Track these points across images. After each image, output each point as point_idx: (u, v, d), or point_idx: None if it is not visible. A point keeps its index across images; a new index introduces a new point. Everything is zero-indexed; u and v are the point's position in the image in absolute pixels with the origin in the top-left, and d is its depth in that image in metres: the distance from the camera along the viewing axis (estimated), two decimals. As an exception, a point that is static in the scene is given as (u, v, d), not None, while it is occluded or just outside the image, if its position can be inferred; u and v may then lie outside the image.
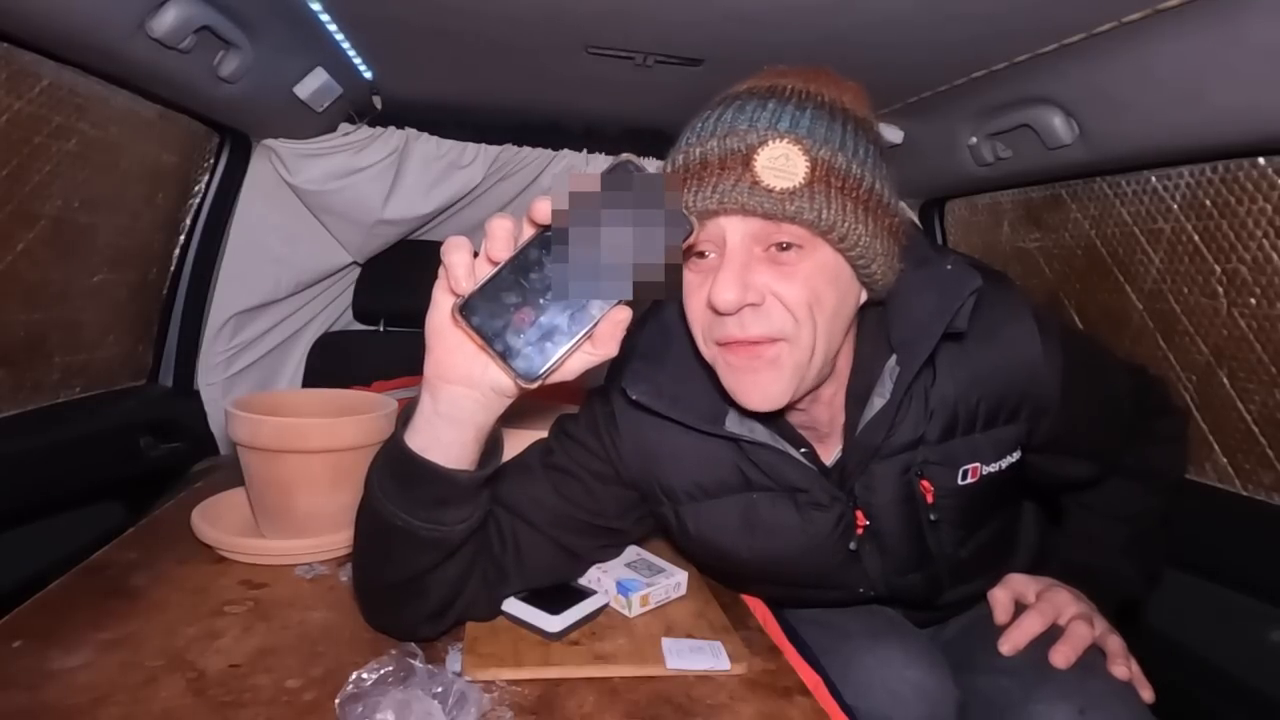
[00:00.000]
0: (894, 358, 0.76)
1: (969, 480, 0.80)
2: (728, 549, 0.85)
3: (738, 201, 0.65)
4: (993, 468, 0.81)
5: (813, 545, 0.81)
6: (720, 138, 0.67)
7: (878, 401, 0.76)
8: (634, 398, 0.78)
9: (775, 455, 0.79)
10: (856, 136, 0.68)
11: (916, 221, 1.99)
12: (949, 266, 0.74)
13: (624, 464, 0.83)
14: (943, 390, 0.76)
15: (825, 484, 0.80)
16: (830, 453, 0.83)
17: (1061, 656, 0.80)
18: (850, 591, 0.88)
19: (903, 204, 1.98)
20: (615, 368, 0.82)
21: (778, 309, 0.68)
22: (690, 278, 0.72)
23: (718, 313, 0.68)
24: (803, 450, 0.81)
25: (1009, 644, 0.84)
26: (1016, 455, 0.83)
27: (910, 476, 0.79)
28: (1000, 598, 0.90)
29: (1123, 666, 0.80)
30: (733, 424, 0.80)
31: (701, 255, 0.70)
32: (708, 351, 0.74)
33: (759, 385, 0.71)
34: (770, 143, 0.65)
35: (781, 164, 0.65)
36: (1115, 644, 0.83)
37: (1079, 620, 0.83)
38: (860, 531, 0.81)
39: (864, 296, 0.74)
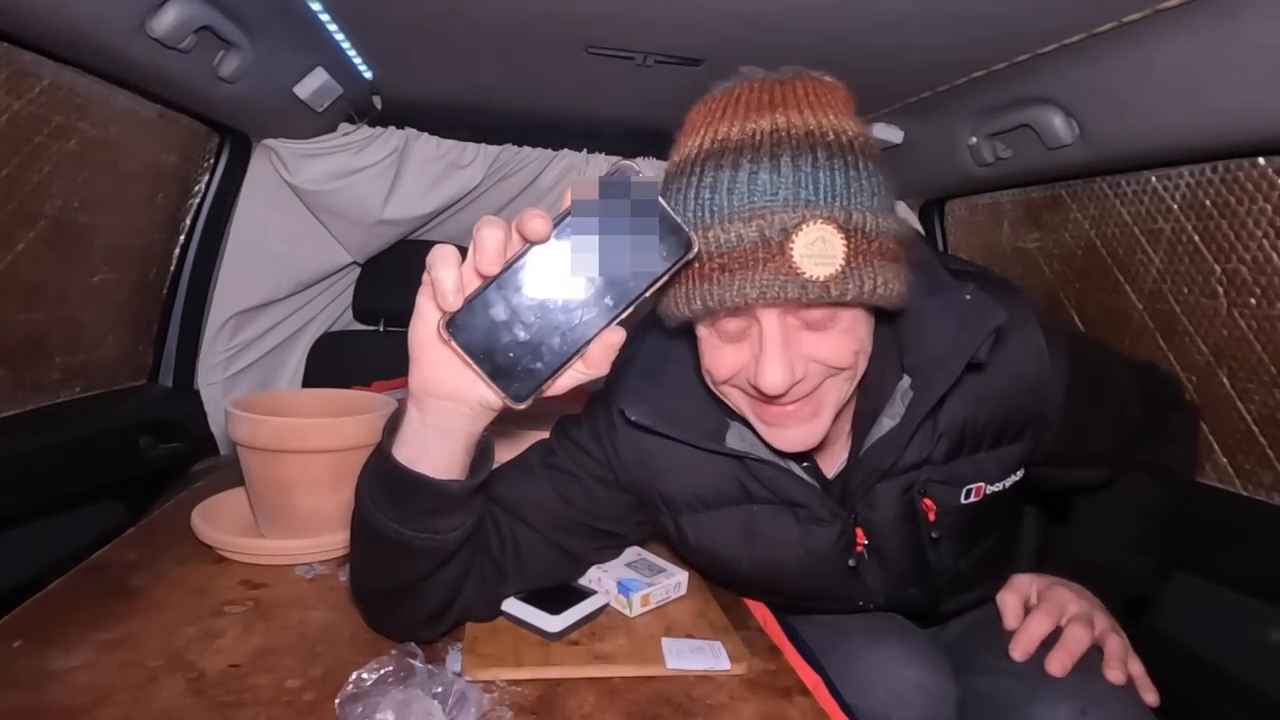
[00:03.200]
0: (906, 380, 0.75)
1: (972, 499, 0.79)
2: (728, 559, 0.84)
3: (780, 295, 0.61)
4: (997, 487, 0.80)
5: (813, 560, 0.81)
6: (744, 220, 0.61)
7: (887, 423, 0.75)
8: (633, 419, 0.77)
9: (776, 470, 0.78)
10: (869, 172, 0.64)
11: (919, 228, 1.99)
12: (968, 296, 0.71)
13: (624, 471, 0.83)
14: (952, 412, 0.76)
15: (826, 500, 0.79)
16: (833, 464, 0.82)
17: (1058, 664, 0.78)
18: (849, 604, 0.88)
19: (904, 207, 1.98)
20: (612, 382, 0.81)
21: (818, 369, 0.67)
22: (714, 342, 0.69)
23: (763, 394, 0.66)
24: (805, 464, 0.81)
25: (1020, 650, 0.82)
26: (1020, 473, 0.82)
27: (912, 495, 0.78)
28: (1010, 602, 0.87)
29: (1117, 670, 0.78)
30: (734, 440, 0.79)
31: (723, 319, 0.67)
32: (733, 400, 0.73)
33: (797, 435, 0.70)
34: (805, 226, 0.60)
35: (819, 249, 0.61)
36: (1115, 644, 0.82)
37: (1076, 622, 0.82)
38: (860, 549, 0.81)
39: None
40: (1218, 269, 1.24)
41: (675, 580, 0.89)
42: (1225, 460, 1.27)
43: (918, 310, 0.72)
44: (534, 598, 0.81)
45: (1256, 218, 1.17)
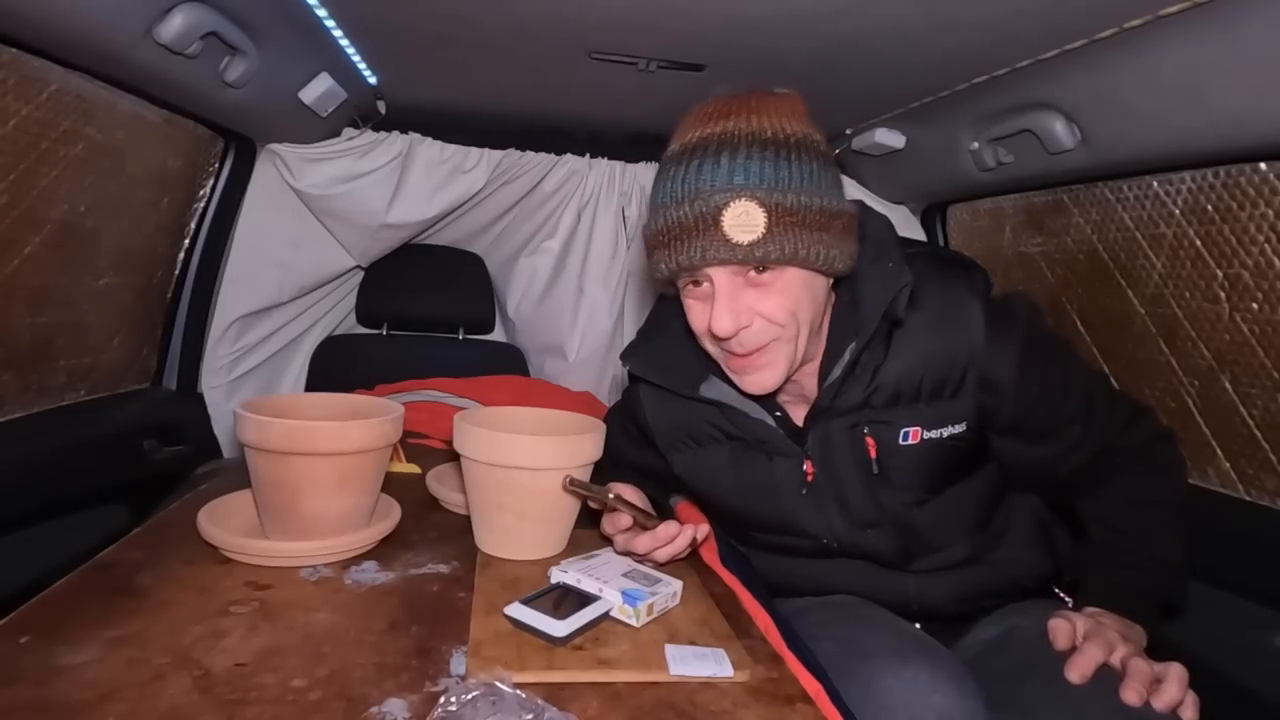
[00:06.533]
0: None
1: (910, 441, 0.90)
2: (712, 488, 1.03)
3: (716, 257, 0.80)
4: (934, 434, 0.90)
5: (777, 488, 0.96)
6: (690, 202, 0.80)
7: (836, 372, 0.90)
8: (628, 369, 1.00)
9: (745, 417, 0.96)
10: (801, 162, 0.80)
11: (920, 231, 1.99)
12: (890, 264, 0.86)
13: (646, 425, 1.06)
14: (891, 368, 0.89)
15: (783, 437, 0.95)
16: (801, 416, 0.96)
17: (1134, 693, 0.76)
18: (816, 541, 0.98)
19: (906, 211, 1.98)
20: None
21: (763, 324, 0.83)
22: (690, 301, 0.87)
23: (718, 337, 0.83)
24: (777, 414, 0.96)
25: (1077, 672, 0.80)
26: (961, 427, 0.90)
27: (857, 433, 0.91)
28: (1061, 626, 0.86)
29: (1132, 692, 0.76)
30: (707, 390, 0.97)
31: (697, 283, 0.85)
32: (713, 352, 0.89)
33: (755, 381, 0.87)
34: (732, 203, 0.78)
35: (744, 220, 0.78)
36: (1177, 670, 0.80)
37: (1136, 658, 0.81)
38: (810, 479, 0.94)
39: (830, 279, 0.87)
40: (1220, 274, 1.24)
41: (671, 590, 0.89)
42: (1228, 465, 1.27)
43: (865, 283, 0.87)
44: (540, 604, 0.81)
45: (1258, 222, 1.17)
